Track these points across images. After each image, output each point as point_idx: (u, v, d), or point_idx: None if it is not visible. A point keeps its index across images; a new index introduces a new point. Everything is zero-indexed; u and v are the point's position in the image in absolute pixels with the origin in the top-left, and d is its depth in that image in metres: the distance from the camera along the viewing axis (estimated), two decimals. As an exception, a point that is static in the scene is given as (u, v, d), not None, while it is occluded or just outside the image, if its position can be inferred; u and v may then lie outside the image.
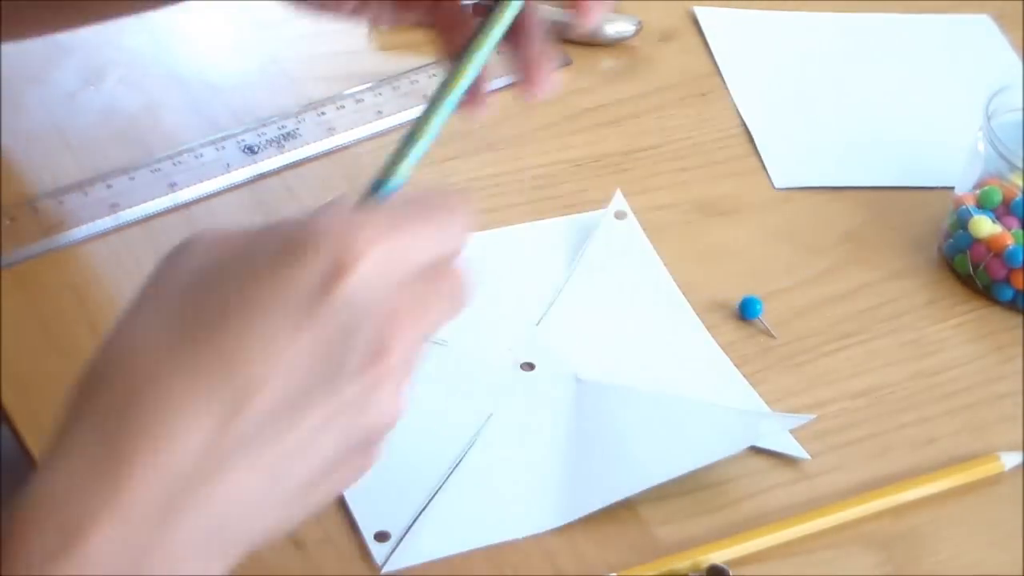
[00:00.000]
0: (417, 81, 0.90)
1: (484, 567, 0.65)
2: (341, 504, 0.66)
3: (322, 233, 0.49)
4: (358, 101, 0.88)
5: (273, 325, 0.48)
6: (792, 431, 0.71)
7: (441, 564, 0.65)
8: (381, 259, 0.49)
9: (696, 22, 0.98)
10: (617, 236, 0.81)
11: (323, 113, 0.87)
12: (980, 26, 1.00)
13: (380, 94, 0.89)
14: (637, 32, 0.95)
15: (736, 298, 0.78)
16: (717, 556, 0.65)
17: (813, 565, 0.67)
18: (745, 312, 0.78)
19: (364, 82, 0.90)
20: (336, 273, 0.48)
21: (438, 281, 0.52)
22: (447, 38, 0.65)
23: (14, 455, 0.68)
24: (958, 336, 0.79)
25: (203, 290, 0.49)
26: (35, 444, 0.67)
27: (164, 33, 0.92)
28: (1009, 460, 0.71)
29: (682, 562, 0.65)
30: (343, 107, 0.88)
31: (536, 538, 0.66)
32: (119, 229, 0.79)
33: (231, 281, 0.49)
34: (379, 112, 0.88)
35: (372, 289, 0.49)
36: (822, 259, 0.82)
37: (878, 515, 0.69)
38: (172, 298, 0.49)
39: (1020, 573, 0.67)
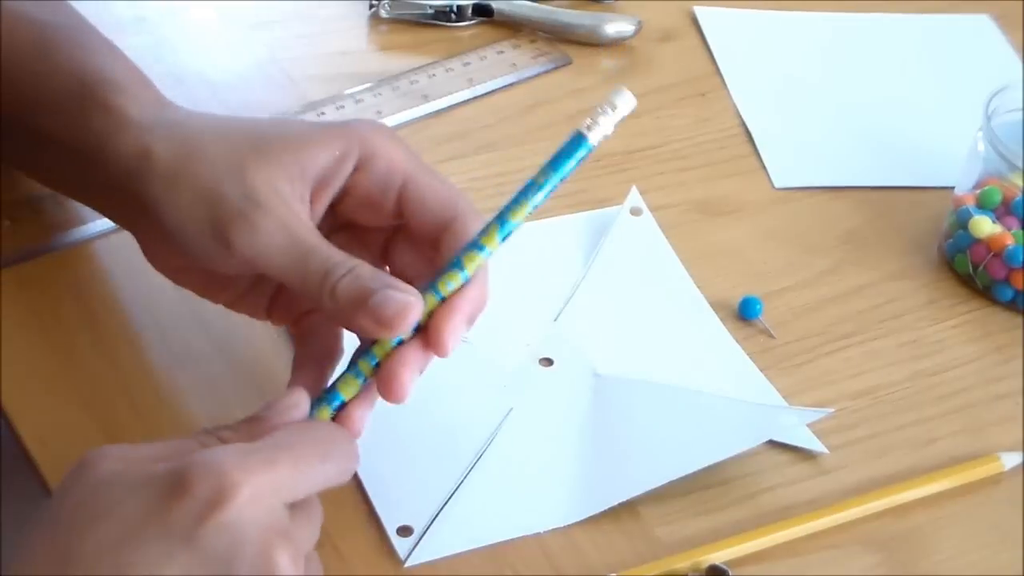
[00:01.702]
0: (417, 81, 0.90)
1: (484, 567, 0.65)
2: (363, 499, 0.67)
3: (203, 467, 0.53)
4: (358, 101, 0.88)
5: (154, 554, 0.52)
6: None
7: (441, 563, 0.65)
8: (259, 491, 0.53)
9: (696, 22, 0.98)
10: (633, 232, 0.81)
11: (323, 113, 0.87)
12: (980, 26, 1.00)
13: (380, 94, 0.89)
14: (637, 32, 0.95)
15: (736, 298, 0.78)
16: (717, 556, 0.65)
17: (813, 565, 0.67)
18: (745, 312, 0.78)
19: (364, 82, 0.90)
20: (214, 503, 0.52)
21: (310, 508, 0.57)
22: (303, 345, 0.66)
23: (14, 455, 0.68)
24: (958, 336, 0.79)
25: (88, 524, 0.53)
26: (35, 444, 0.67)
27: (164, 33, 0.92)
28: (1009, 460, 0.71)
29: (682, 562, 0.65)
30: (343, 107, 0.87)
31: (536, 538, 0.66)
32: (119, 229, 0.78)
33: (116, 519, 0.52)
34: (379, 112, 0.87)
35: (250, 518, 0.53)
36: (822, 259, 0.82)
37: (878, 515, 0.69)
38: (58, 534, 0.53)
39: (1020, 573, 0.67)
